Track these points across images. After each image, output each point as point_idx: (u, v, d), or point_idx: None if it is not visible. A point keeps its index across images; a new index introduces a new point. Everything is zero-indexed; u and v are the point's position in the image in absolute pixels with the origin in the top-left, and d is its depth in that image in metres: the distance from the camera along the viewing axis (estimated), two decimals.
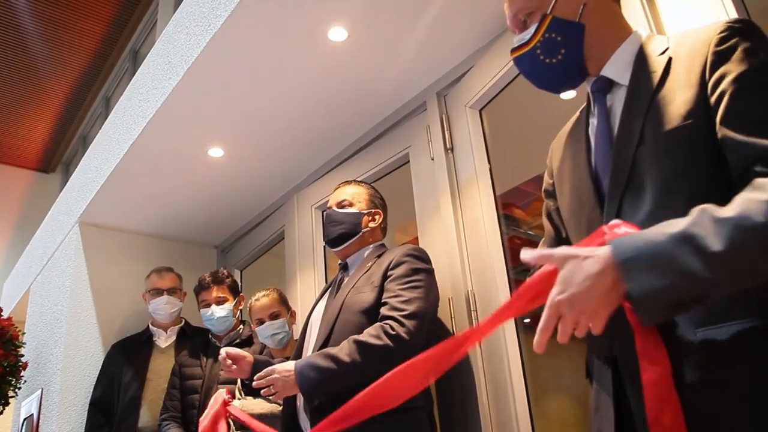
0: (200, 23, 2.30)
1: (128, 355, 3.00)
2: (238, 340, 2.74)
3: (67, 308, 3.22)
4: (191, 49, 2.34)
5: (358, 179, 2.72)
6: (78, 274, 3.29)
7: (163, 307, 3.00)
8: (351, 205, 2.10)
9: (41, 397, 3.27)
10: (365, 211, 2.09)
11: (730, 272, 0.79)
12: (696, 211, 0.84)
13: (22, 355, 2.92)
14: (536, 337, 0.87)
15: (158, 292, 3.02)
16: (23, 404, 3.58)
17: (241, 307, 2.84)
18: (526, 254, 0.94)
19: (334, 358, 1.70)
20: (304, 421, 1.84)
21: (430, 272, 1.92)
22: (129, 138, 2.79)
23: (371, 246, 2.10)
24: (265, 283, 2.72)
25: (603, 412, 1.03)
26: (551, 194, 1.31)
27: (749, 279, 0.81)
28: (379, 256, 2.01)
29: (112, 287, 3.32)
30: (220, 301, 2.73)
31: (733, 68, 0.94)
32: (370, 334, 1.73)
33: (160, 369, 2.92)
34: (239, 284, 3.27)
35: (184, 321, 3.15)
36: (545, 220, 1.35)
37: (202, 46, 2.23)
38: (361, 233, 2.08)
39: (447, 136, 2.36)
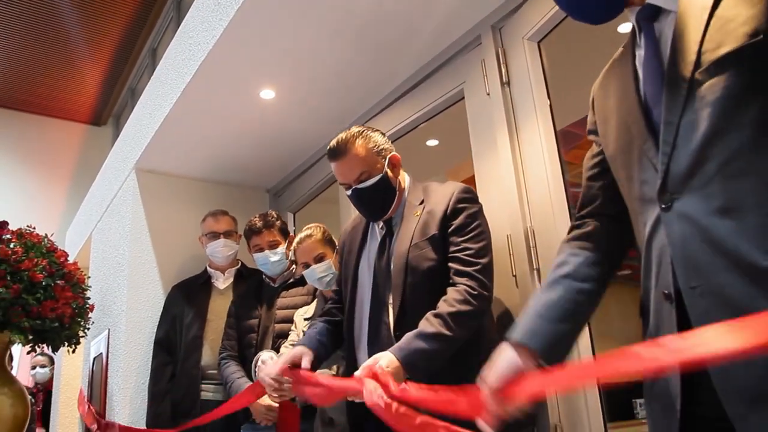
0: None
1: (188, 296, 3.08)
2: (291, 280, 2.78)
3: (128, 252, 3.31)
4: None
5: (410, 120, 2.68)
6: (136, 219, 3.37)
7: (220, 249, 3.06)
8: (369, 174, 1.89)
9: (108, 337, 3.42)
10: (385, 170, 1.92)
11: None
12: None
13: (89, 298, 3.03)
14: None
15: (215, 235, 3.07)
16: (92, 344, 3.75)
17: (291, 248, 2.86)
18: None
19: (438, 337, 1.62)
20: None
21: (482, 211, 1.88)
22: (181, 83, 2.80)
23: (406, 189, 2.00)
24: None
25: None
26: (594, 132, 1.27)
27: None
28: (422, 202, 1.91)
29: (169, 231, 3.40)
30: (272, 245, 2.75)
31: None
32: (457, 301, 1.67)
33: (220, 310, 3.00)
34: (289, 226, 3.30)
35: (240, 263, 3.21)
36: (586, 172, 1.32)
37: None
38: (396, 191, 1.95)
39: (503, 70, 2.29)
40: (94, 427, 3.38)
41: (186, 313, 3.03)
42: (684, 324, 0.97)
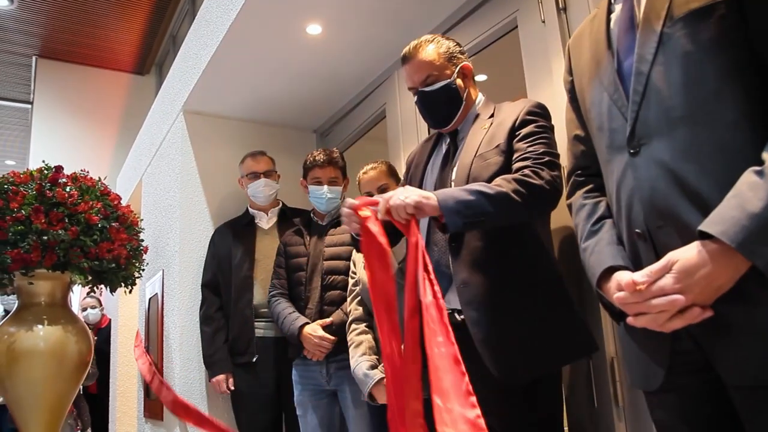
0: None
1: (235, 237, 3.11)
2: (338, 218, 2.77)
3: (179, 194, 3.35)
4: None
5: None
6: (186, 161, 3.40)
7: (262, 189, 3.07)
8: (437, 78, 1.83)
9: (163, 278, 3.50)
10: (454, 77, 1.85)
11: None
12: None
13: (143, 240, 3.09)
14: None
15: (255, 175, 3.09)
16: (147, 285, 3.85)
17: (345, 192, 2.83)
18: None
19: (483, 192, 1.54)
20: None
21: (552, 130, 1.78)
22: (226, 21, 2.76)
23: (477, 104, 1.93)
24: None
25: None
26: (571, 92, 1.35)
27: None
28: (491, 116, 1.85)
29: (218, 172, 3.43)
30: (332, 182, 2.73)
31: None
32: (523, 174, 1.60)
33: (267, 249, 3.03)
34: None
35: (281, 203, 3.22)
36: (569, 130, 1.38)
37: None
38: (464, 101, 1.88)
39: None
40: (150, 379, 3.49)
41: (234, 254, 3.06)
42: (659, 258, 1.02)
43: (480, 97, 1.96)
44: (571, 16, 2.15)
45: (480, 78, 3.42)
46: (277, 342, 2.90)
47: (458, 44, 1.93)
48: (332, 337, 2.46)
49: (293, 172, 3.11)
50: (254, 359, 2.89)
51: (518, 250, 1.70)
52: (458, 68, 1.87)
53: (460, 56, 1.90)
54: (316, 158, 2.73)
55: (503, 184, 1.57)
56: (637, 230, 1.09)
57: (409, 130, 2.89)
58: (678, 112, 1.03)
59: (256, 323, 2.95)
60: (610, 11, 1.21)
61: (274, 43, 2.84)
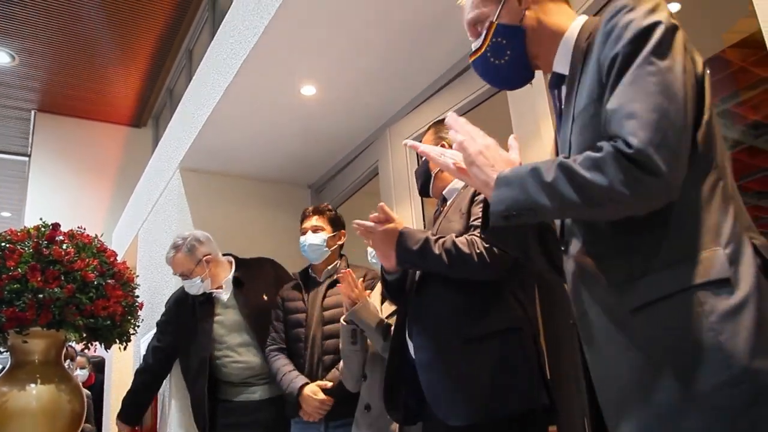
0: None
1: (193, 313, 2.95)
2: (335, 276, 2.74)
3: None
4: None
5: (451, 110, 2.67)
6: (182, 217, 3.43)
7: (191, 288, 2.89)
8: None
9: None
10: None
11: (552, 198, 0.99)
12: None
13: (138, 296, 3.10)
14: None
15: (184, 276, 2.89)
16: (142, 341, 3.83)
17: (340, 243, 2.82)
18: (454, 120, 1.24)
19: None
20: None
21: None
22: (223, 82, 2.84)
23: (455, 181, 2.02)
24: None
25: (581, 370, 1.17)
26: None
27: (567, 211, 1.04)
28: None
29: (214, 229, 3.44)
30: (316, 230, 2.73)
31: (609, 47, 1.03)
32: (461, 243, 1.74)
33: (230, 322, 2.91)
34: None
35: (233, 263, 3.02)
36: None
37: None
38: (432, 175, 2.03)
39: None
40: None
41: (191, 333, 2.91)
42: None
43: None
44: None
45: None
46: (264, 404, 2.83)
47: None
48: (331, 399, 2.45)
49: (288, 227, 3.15)
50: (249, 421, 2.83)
51: (472, 297, 1.76)
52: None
53: None
54: (304, 212, 2.78)
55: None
56: (570, 321, 1.19)
57: (402, 186, 2.94)
58: None
59: (250, 387, 2.89)
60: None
61: (270, 103, 2.92)
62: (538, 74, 2.22)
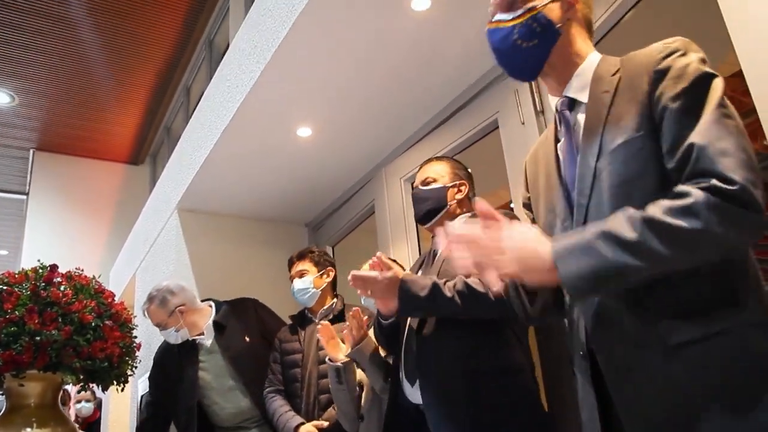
0: (285, 4, 2.33)
1: (179, 361, 2.93)
2: (331, 315, 2.73)
3: None
4: (277, 31, 2.37)
5: (445, 150, 2.72)
6: (180, 257, 3.45)
7: (168, 338, 2.91)
8: (435, 181, 2.08)
9: None
10: (449, 185, 2.07)
11: (640, 256, 0.94)
12: (616, 213, 1.00)
13: (136, 337, 3.08)
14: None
15: (161, 327, 2.90)
16: (139, 382, 3.81)
17: (329, 279, 2.83)
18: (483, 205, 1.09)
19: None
20: None
21: None
22: (220, 124, 2.88)
23: (461, 216, 2.08)
24: (357, 258, 2.72)
25: (587, 402, 1.14)
26: (529, 207, 1.41)
27: (657, 265, 0.96)
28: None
29: (212, 268, 3.47)
30: (301, 274, 2.75)
31: (669, 86, 1.05)
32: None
33: (214, 367, 2.89)
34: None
35: (212, 307, 3.01)
36: None
37: (288, 27, 2.27)
38: (447, 206, 2.06)
39: (537, 98, 2.31)
40: None
41: (177, 381, 2.89)
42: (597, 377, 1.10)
43: (469, 213, 2.06)
44: (548, 118, 2.27)
45: None
46: None
47: (467, 170, 2.13)
48: None
49: (286, 266, 3.14)
50: None
51: (476, 337, 1.78)
52: (456, 182, 2.08)
53: (464, 178, 2.11)
54: (289, 260, 2.81)
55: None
56: (580, 352, 1.16)
57: (398, 225, 2.97)
58: None
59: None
60: (557, 139, 1.27)
61: (267, 144, 2.96)
62: (530, 115, 2.30)
